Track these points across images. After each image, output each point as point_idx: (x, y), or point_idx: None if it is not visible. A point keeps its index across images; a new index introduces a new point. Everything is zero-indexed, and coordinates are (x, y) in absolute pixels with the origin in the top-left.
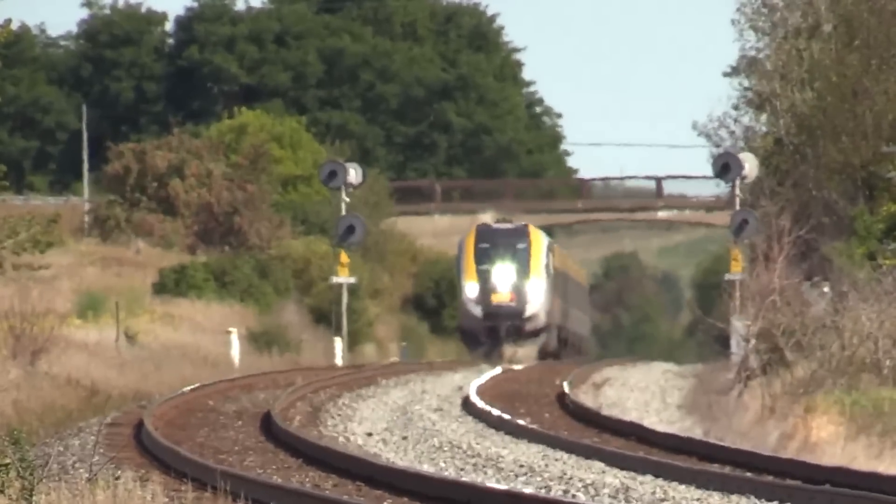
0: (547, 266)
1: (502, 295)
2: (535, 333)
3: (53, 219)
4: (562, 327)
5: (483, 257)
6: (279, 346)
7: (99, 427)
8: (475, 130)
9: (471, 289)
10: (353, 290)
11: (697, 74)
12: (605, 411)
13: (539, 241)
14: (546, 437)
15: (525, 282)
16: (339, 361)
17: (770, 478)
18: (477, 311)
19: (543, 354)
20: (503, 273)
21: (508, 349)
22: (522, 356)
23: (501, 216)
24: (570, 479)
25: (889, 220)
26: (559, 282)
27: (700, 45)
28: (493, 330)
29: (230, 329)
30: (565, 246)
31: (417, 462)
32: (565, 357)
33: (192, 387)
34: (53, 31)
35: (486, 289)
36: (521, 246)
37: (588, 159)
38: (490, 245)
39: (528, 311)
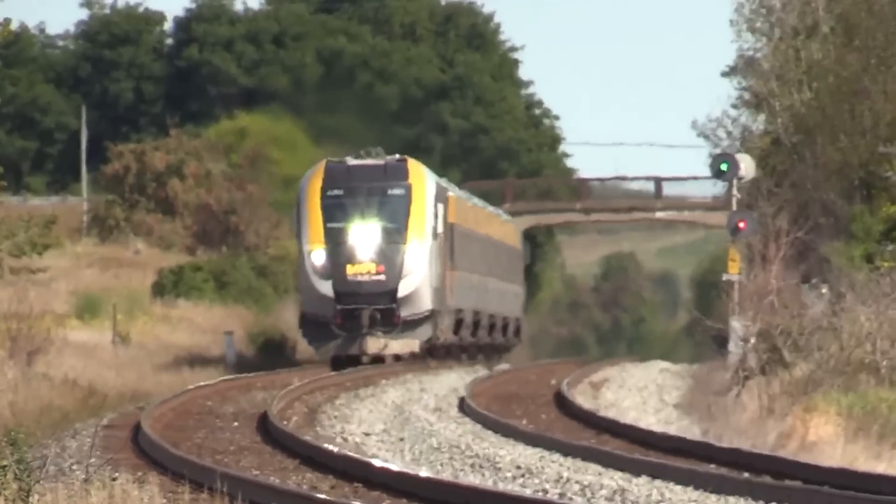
0: (435, 221)
1: (364, 265)
2: (416, 322)
3: (52, 220)
4: (465, 310)
5: (335, 209)
6: (277, 347)
7: (96, 428)
8: (472, 130)
9: (316, 256)
10: None
11: (696, 74)
12: (603, 412)
13: (423, 185)
14: (543, 438)
15: (400, 245)
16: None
17: (768, 478)
18: (325, 288)
19: (433, 350)
20: (365, 233)
21: (373, 343)
22: (398, 352)
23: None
24: (567, 480)
25: (888, 222)
26: (460, 244)
27: (699, 45)
28: (351, 317)
29: (228, 330)
30: (565, 246)
31: (415, 463)
32: (484, 349)
33: (190, 387)
34: (52, 30)
35: (340, 257)
36: (394, 191)
37: (585, 159)
38: (345, 191)
39: (405, 289)
